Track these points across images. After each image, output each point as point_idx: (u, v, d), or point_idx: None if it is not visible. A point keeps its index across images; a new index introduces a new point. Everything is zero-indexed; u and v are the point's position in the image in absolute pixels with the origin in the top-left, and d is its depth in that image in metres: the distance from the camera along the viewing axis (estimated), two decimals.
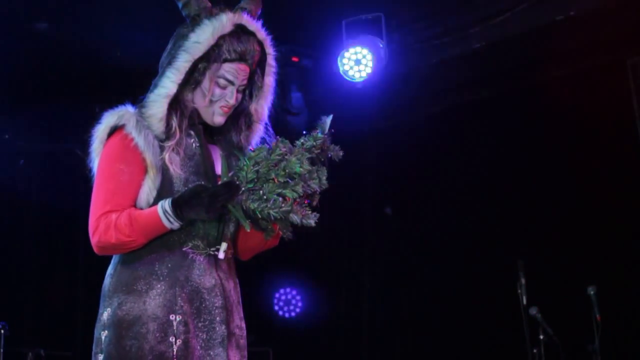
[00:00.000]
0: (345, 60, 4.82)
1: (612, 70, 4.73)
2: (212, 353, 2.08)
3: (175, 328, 2.03)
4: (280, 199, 1.99)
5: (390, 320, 5.73)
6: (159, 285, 2.05)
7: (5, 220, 5.45)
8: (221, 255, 2.08)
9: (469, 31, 4.84)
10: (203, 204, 1.94)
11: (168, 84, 2.06)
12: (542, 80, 5.01)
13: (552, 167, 4.99)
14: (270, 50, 2.25)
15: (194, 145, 2.12)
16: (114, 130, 2.04)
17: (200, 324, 2.09)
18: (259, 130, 2.25)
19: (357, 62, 4.86)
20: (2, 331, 4.95)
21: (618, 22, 4.46)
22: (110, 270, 2.12)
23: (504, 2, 4.63)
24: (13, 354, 5.09)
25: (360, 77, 4.88)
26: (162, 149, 2.05)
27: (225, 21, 2.11)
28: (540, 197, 5.02)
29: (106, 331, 2.04)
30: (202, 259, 2.10)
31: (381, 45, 4.83)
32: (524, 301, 4.26)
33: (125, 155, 2.03)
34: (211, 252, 2.10)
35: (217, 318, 2.11)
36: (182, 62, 2.07)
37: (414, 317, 5.69)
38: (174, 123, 2.06)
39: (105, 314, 2.05)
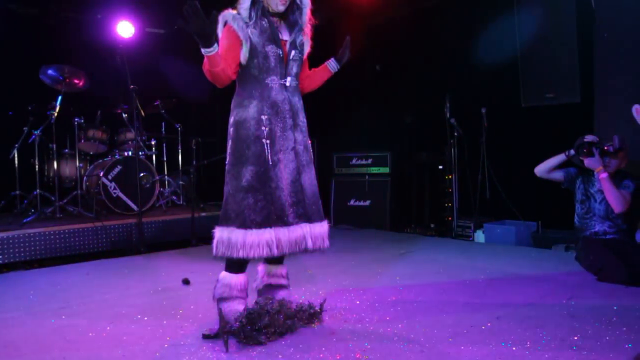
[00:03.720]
0: None
1: None
2: (286, 134, 2.66)
3: (264, 122, 2.61)
4: None
5: None
6: (254, 102, 2.64)
7: None
8: (287, 83, 2.70)
9: None
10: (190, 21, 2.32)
11: None
12: None
13: None
14: None
15: (264, 24, 2.65)
16: (224, 25, 2.64)
17: (278, 119, 2.66)
18: (306, 8, 2.79)
19: None
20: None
21: None
22: (233, 96, 2.74)
23: None
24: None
25: None
26: (247, 27, 2.61)
27: None
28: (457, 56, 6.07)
29: (232, 128, 2.67)
30: (277, 86, 2.66)
31: None
32: (448, 115, 5.74)
33: (228, 36, 2.62)
34: (281, 82, 2.68)
35: (287, 115, 2.68)
36: None
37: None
38: (253, 12, 2.62)
39: (231, 119, 2.70)
